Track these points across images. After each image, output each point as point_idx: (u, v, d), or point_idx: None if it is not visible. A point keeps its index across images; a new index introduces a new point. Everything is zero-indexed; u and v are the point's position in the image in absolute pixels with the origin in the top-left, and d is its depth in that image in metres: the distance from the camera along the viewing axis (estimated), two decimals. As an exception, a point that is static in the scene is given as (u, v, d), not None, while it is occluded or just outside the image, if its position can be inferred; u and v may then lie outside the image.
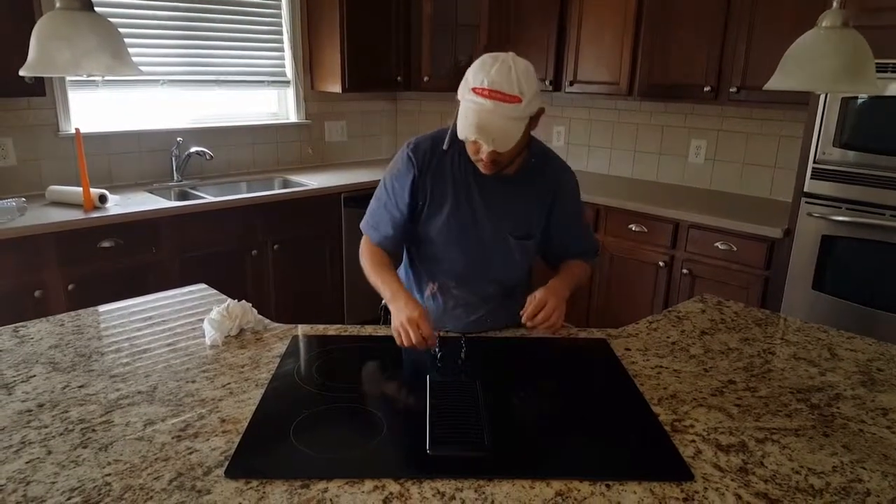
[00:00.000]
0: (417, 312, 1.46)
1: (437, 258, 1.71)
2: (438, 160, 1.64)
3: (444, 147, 1.61)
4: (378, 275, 1.65)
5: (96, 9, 1.28)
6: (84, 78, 2.90)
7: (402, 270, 1.85)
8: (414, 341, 1.44)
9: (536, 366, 1.56)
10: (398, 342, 1.47)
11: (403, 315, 1.47)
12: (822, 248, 2.69)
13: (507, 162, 1.54)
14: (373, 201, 1.74)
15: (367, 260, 1.70)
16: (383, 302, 1.73)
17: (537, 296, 1.55)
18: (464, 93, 1.45)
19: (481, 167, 1.54)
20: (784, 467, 1.14)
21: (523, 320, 1.53)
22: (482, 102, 1.40)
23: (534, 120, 1.50)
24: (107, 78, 2.96)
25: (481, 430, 1.22)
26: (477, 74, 1.42)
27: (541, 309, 1.52)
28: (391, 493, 1.05)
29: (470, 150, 1.53)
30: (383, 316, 1.84)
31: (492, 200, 1.64)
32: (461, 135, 1.46)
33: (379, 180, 1.73)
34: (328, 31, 3.79)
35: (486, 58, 1.45)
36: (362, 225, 1.76)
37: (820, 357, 1.60)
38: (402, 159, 1.66)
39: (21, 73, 1.24)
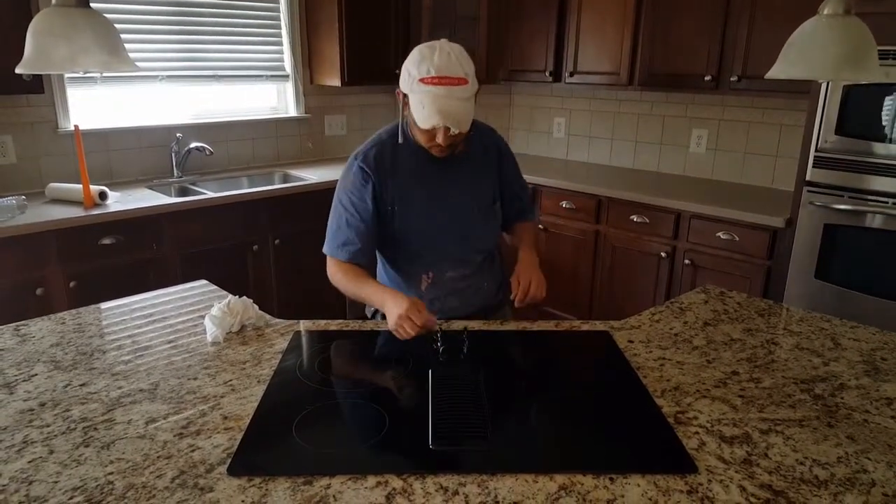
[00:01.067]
0: (407, 303, 1.50)
1: (423, 250, 1.75)
2: (391, 162, 1.69)
3: (399, 141, 1.68)
4: (360, 287, 1.68)
5: (94, 5, 1.27)
6: (82, 74, 2.89)
7: (381, 277, 1.87)
8: (413, 332, 1.49)
9: (539, 359, 1.56)
10: (401, 338, 1.51)
11: (396, 312, 1.50)
12: (825, 237, 2.68)
13: (459, 142, 1.62)
14: (331, 223, 1.75)
15: (343, 278, 1.72)
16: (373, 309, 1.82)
17: (520, 278, 1.71)
18: (411, 85, 1.51)
19: (436, 152, 1.62)
20: (788, 458, 1.14)
21: (516, 304, 1.69)
22: (435, 90, 1.47)
23: (475, 97, 1.58)
24: (105, 74, 2.94)
25: (484, 424, 1.22)
26: (420, 65, 1.49)
27: (528, 288, 1.69)
28: (394, 489, 1.04)
29: (423, 138, 1.60)
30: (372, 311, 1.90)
31: (456, 179, 1.74)
32: (425, 124, 1.51)
33: None
34: (327, 24, 3.77)
35: (421, 48, 1.52)
36: (326, 249, 1.76)
37: (823, 347, 1.59)
38: (355, 173, 1.69)
39: (17, 70, 1.23)
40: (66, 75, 3.07)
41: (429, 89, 1.48)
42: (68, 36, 1.16)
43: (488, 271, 1.86)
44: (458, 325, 1.67)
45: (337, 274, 1.74)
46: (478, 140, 1.78)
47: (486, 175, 1.80)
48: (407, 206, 1.70)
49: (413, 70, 1.51)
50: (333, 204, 1.75)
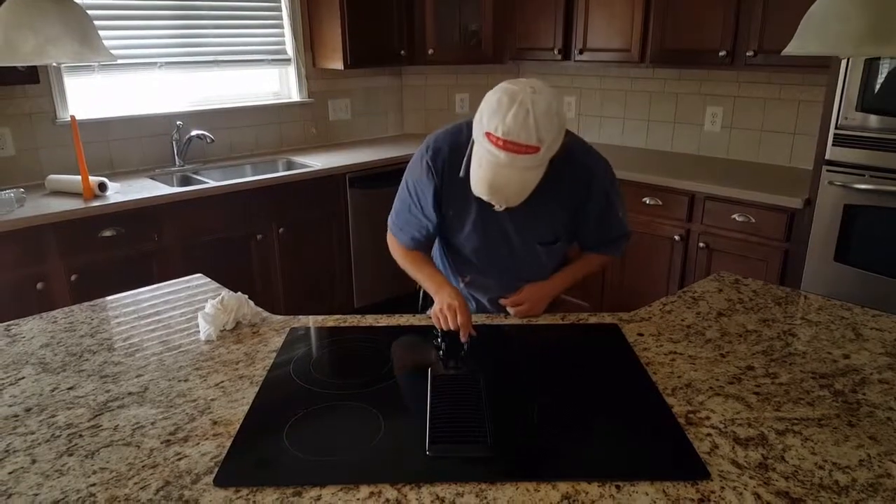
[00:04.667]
0: (458, 301, 1.51)
1: (467, 260, 1.72)
2: (459, 168, 1.49)
3: (461, 175, 1.46)
4: (419, 271, 1.71)
5: None
6: (56, 65, 2.83)
7: (437, 254, 1.86)
8: (451, 326, 1.48)
9: (543, 356, 1.49)
10: (438, 325, 1.51)
11: (446, 302, 1.52)
12: (845, 218, 2.58)
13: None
14: (397, 201, 1.72)
15: (402, 258, 1.76)
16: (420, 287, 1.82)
17: (524, 292, 1.66)
18: (478, 133, 1.33)
19: (496, 206, 1.42)
20: (806, 462, 1.07)
21: (504, 304, 1.67)
22: (496, 154, 1.28)
23: (558, 153, 1.37)
24: (103, 63, 2.89)
25: (483, 428, 1.16)
26: (492, 118, 1.28)
27: (518, 301, 1.65)
28: (387, 500, 0.99)
29: None
30: (421, 299, 1.91)
31: (516, 212, 1.49)
32: (475, 191, 1.38)
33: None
34: (328, 5, 3.68)
35: (503, 95, 1.29)
36: (389, 223, 1.77)
37: (844, 338, 1.51)
38: (423, 167, 1.59)
39: (-14, 63, 1.18)
40: (63, 65, 3.02)
41: (490, 150, 1.28)
42: (36, 26, 1.10)
43: None
44: (459, 319, 1.61)
45: (397, 251, 1.78)
46: (562, 170, 1.46)
47: (554, 213, 1.60)
48: (458, 220, 1.63)
49: (485, 117, 1.30)
50: (402, 180, 1.69)
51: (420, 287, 1.83)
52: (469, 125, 1.43)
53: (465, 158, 1.45)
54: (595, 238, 1.73)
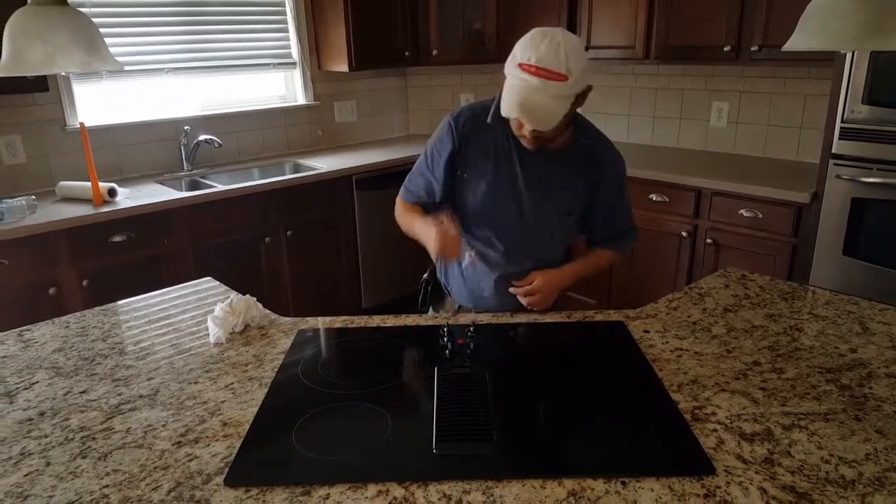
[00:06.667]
0: (445, 226, 1.55)
1: (477, 228, 1.71)
2: (480, 131, 1.64)
3: (488, 121, 1.60)
4: (411, 221, 1.72)
5: None
6: (64, 74, 2.86)
7: None
8: (452, 253, 1.57)
9: (549, 353, 1.50)
10: (449, 259, 1.65)
11: (433, 240, 1.56)
12: (853, 212, 2.57)
13: (550, 138, 1.53)
14: (414, 167, 1.79)
15: (401, 215, 1.80)
16: (424, 275, 1.86)
17: (535, 280, 1.65)
18: (511, 68, 1.43)
19: (524, 143, 1.55)
20: (812, 456, 1.08)
21: (511, 289, 1.66)
22: (528, 79, 1.38)
23: (580, 97, 1.47)
24: (109, 70, 2.92)
25: (490, 425, 1.17)
26: (525, 50, 1.39)
27: (530, 291, 1.64)
28: (395, 498, 1.00)
29: (513, 125, 1.54)
30: (424, 289, 1.88)
31: (534, 175, 1.63)
32: (504, 112, 1.45)
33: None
34: (332, 8, 3.70)
35: (535, 33, 1.41)
36: (401, 191, 1.83)
37: (851, 332, 1.51)
38: (444, 128, 1.68)
39: (-3, 74, 1.20)
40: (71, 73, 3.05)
41: (522, 76, 1.39)
42: (44, 36, 1.12)
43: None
44: (465, 318, 1.62)
45: (399, 213, 1.82)
46: (581, 148, 1.64)
47: (571, 185, 1.65)
48: (473, 178, 1.66)
49: (518, 52, 1.42)
50: (423, 150, 1.77)
51: (420, 285, 1.86)
52: (491, 98, 1.60)
53: (492, 107, 1.58)
54: (604, 230, 1.76)
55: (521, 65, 1.39)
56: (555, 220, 1.68)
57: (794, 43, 1.29)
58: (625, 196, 1.75)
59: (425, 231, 1.62)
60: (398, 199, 1.83)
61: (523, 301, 1.65)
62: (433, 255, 1.63)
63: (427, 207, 1.76)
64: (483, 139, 1.64)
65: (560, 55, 1.37)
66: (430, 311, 1.88)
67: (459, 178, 1.68)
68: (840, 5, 1.24)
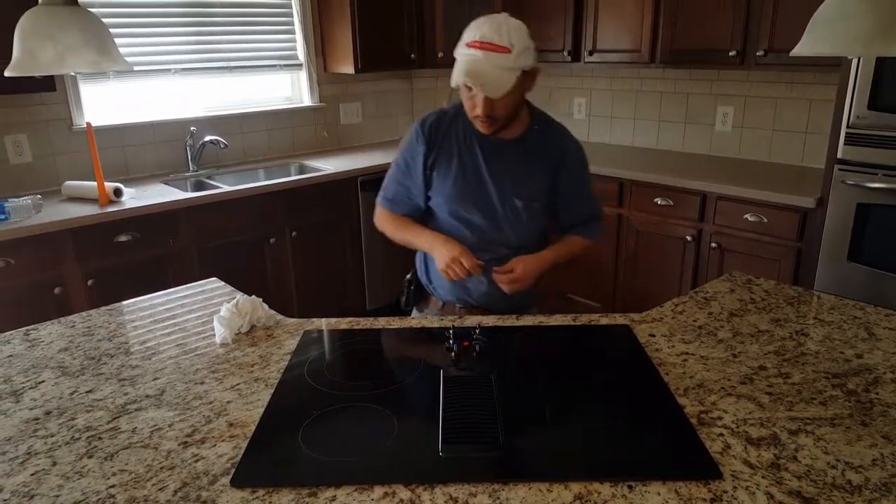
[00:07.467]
0: (458, 249, 1.64)
1: (450, 226, 1.75)
2: (445, 130, 1.73)
3: (450, 109, 1.72)
4: (408, 232, 1.79)
5: None
6: (73, 74, 2.87)
7: (419, 256, 1.90)
8: (462, 275, 1.63)
9: (555, 356, 1.50)
10: (449, 277, 1.66)
11: (448, 255, 1.64)
12: (858, 217, 2.56)
13: (503, 118, 1.61)
14: (387, 178, 1.83)
15: (391, 226, 1.83)
16: (408, 276, 1.90)
17: (517, 267, 1.69)
18: (459, 51, 1.55)
19: (478, 124, 1.62)
20: (819, 461, 1.07)
21: (493, 275, 1.70)
22: (474, 53, 1.50)
23: (528, 77, 1.58)
24: (118, 70, 2.93)
25: (496, 428, 1.17)
26: (471, 31, 1.53)
27: (513, 279, 1.68)
28: (401, 500, 1.00)
29: (467, 106, 1.62)
30: (407, 290, 1.90)
31: (495, 163, 1.70)
32: (454, 82, 1.54)
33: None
34: (339, 10, 3.71)
35: (479, 19, 1.55)
36: (378, 200, 1.85)
37: (856, 337, 1.51)
38: (412, 135, 1.76)
39: (6, 73, 1.20)
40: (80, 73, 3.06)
41: (468, 52, 1.51)
42: (55, 36, 1.12)
43: None
44: (471, 321, 1.62)
45: (385, 223, 1.85)
46: (539, 135, 1.74)
47: (534, 172, 1.73)
48: (441, 177, 1.72)
49: (465, 35, 1.55)
50: (393, 161, 1.83)
51: (404, 286, 1.90)
52: (453, 103, 1.73)
53: (452, 110, 1.71)
54: (572, 215, 1.83)
55: (467, 43, 1.52)
56: (521, 208, 1.73)
57: (803, 48, 1.29)
58: (588, 183, 1.84)
59: (435, 245, 1.70)
60: (380, 209, 1.86)
61: (505, 288, 1.70)
62: (441, 267, 1.68)
63: (414, 213, 1.81)
64: (448, 138, 1.72)
65: (502, 31, 1.49)
66: (414, 312, 1.91)
67: (428, 178, 1.74)
68: (847, 11, 1.24)
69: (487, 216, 1.72)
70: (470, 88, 1.54)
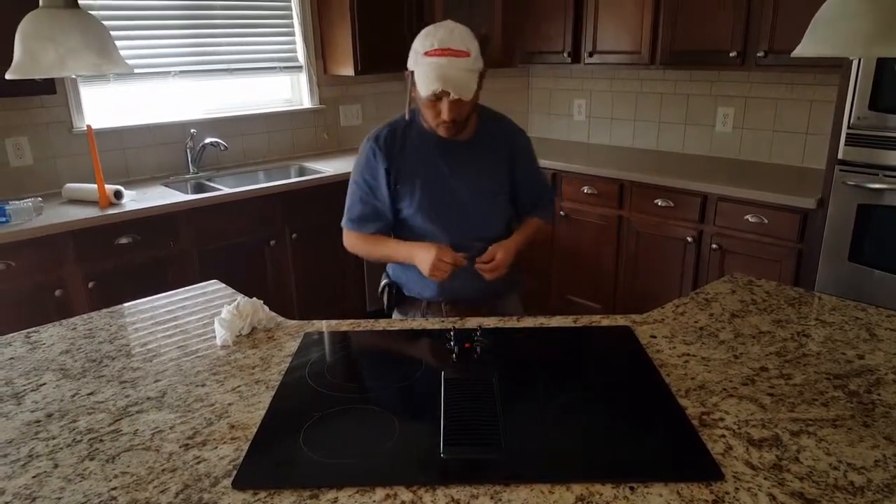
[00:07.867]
0: (436, 249, 1.66)
1: (424, 232, 1.78)
2: (401, 143, 1.75)
3: (406, 118, 1.74)
4: (383, 248, 1.82)
5: (102, 1, 1.23)
6: (74, 76, 2.88)
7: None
8: (448, 272, 1.66)
9: (556, 358, 1.50)
10: (437, 279, 1.68)
11: (428, 259, 1.66)
12: (859, 218, 2.56)
13: (463, 120, 1.66)
14: (348, 200, 1.85)
15: (363, 245, 1.85)
16: (383, 283, 1.92)
17: (498, 254, 1.74)
18: (416, 61, 1.58)
19: (442, 130, 1.66)
20: (821, 463, 1.07)
21: (476, 266, 1.73)
22: (437, 60, 1.53)
23: (481, 78, 1.62)
24: (118, 72, 2.93)
25: (497, 430, 1.17)
26: (424, 41, 1.56)
27: (491, 259, 1.73)
28: (403, 502, 1.00)
29: (431, 114, 1.65)
30: (386, 300, 1.92)
31: (457, 165, 1.76)
32: (426, 92, 1.55)
33: None
34: (338, 12, 3.71)
35: (427, 28, 1.59)
36: (344, 223, 1.87)
37: (858, 338, 1.51)
38: (368, 153, 1.77)
39: (7, 76, 1.20)
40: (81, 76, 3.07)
41: (432, 60, 1.53)
42: (56, 39, 1.12)
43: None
44: (472, 322, 1.62)
45: (355, 243, 1.87)
46: (490, 130, 1.81)
47: (493, 165, 1.81)
48: (408, 188, 1.75)
49: (418, 46, 1.57)
50: (350, 182, 1.84)
51: (383, 290, 1.92)
52: (400, 115, 1.77)
53: (406, 107, 1.72)
54: (529, 198, 1.91)
55: (426, 52, 1.54)
56: (488, 202, 1.80)
57: (804, 49, 1.29)
58: (537, 162, 1.95)
59: (414, 254, 1.73)
60: (347, 232, 1.88)
61: (487, 276, 1.75)
62: (426, 272, 1.69)
63: (383, 230, 1.84)
64: (406, 149, 1.75)
65: (455, 36, 1.54)
66: (395, 315, 1.92)
67: (395, 193, 1.77)
68: (848, 12, 1.24)
69: (460, 216, 1.78)
70: (437, 97, 1.57)
